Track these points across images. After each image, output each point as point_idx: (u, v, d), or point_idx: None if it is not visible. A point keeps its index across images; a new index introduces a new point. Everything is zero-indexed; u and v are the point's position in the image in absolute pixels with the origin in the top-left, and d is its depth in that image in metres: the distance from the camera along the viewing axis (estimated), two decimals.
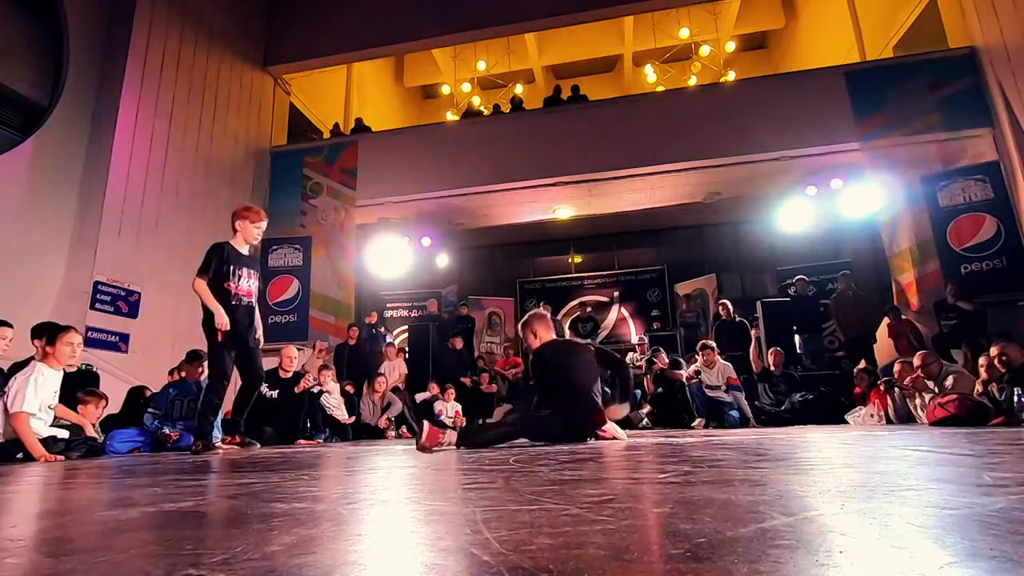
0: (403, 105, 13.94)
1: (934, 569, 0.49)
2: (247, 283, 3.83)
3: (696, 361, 6.36)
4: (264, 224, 3.98)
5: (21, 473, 2.26)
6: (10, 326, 3.79)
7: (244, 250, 3.91)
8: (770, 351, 6.42)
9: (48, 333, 3.66)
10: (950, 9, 7.53)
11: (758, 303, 7.65)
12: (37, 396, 3.28)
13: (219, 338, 3.61)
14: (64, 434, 3.49)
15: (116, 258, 6.23)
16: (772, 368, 6.42)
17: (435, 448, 2.76)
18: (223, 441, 4.03)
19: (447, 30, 8.86)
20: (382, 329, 8.83)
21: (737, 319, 7.68)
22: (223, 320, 3.58)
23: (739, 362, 7.06)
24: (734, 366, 6.38)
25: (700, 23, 11.78)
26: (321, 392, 5.87)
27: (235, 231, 3.90)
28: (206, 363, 4.70)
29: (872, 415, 5.60)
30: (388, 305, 10.55)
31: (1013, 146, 6.57)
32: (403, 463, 2.19)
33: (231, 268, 3.74)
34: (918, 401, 5.06)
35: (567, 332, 10.06)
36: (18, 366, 3.69)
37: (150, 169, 6.87)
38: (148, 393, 4.84)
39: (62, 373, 3.55)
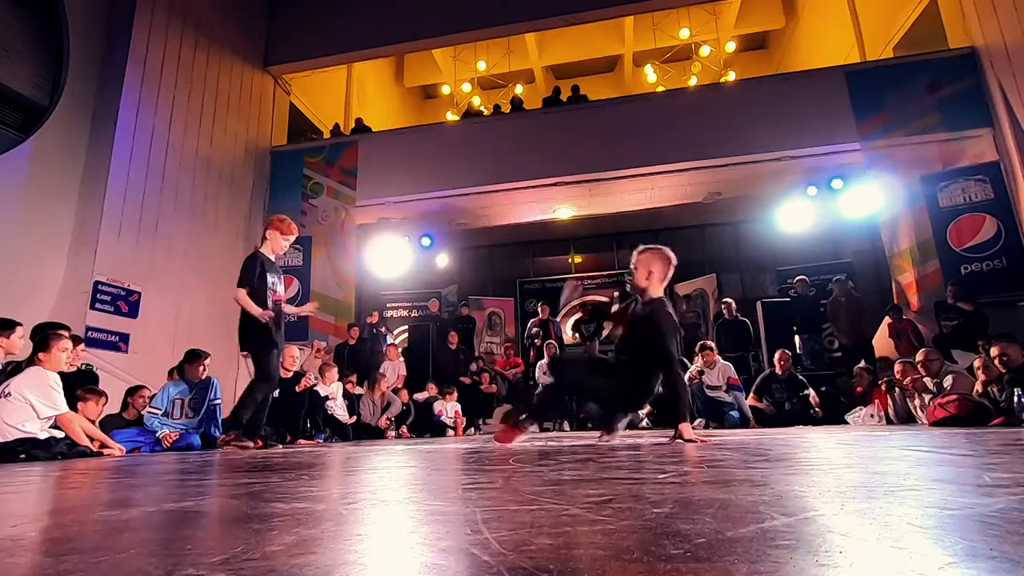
0: (403, 105, 13.94)
1: (934, 569, 0.49)
2: (281, 290, 3.94)
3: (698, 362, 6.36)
4: (293, 238, 4.04)
5: (21, 473, 2.26)
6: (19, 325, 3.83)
7: (273, 257, 3.99)
8: (777, 353, 6.38)
9: (40, 337, 3.67)
10: (950, 9, 7.53)
11: (758, 303, 7.65)
12: (61, 395, 3.47)
13: (265, 330, 3.67)
14: (61, 434, 3.49)
15: (116, 258, 6.23)
16: (778, 371, 6.36)
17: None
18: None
19: (447, 30, 8.86)
20: (383, 329, 8.83)
21: (739, 318, 7.67)
22: (268, 314, 3.70)
23: (739, 362, 7.06)
24: (734, 366, 6.37)
25: (700, 23, 11.78)
26: (326, 398, 5.90)
27: (264, 239, 3.92)
28: (206, 362, 4.71)
29: (872, 415, 5.60)
30: (388, 305, 10.55)
31: (1013, 146, 6.57)
32: (403, 463, 2.19)
33: (269, 277, 3.82)
34: (918, 401, 5.06)
35: (570, 334, 10.04)
36: (17, 366, 3.68)
37: (150, 169, 6.87)
38: (147, 393, 4.84)
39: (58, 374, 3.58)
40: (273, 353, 3.74)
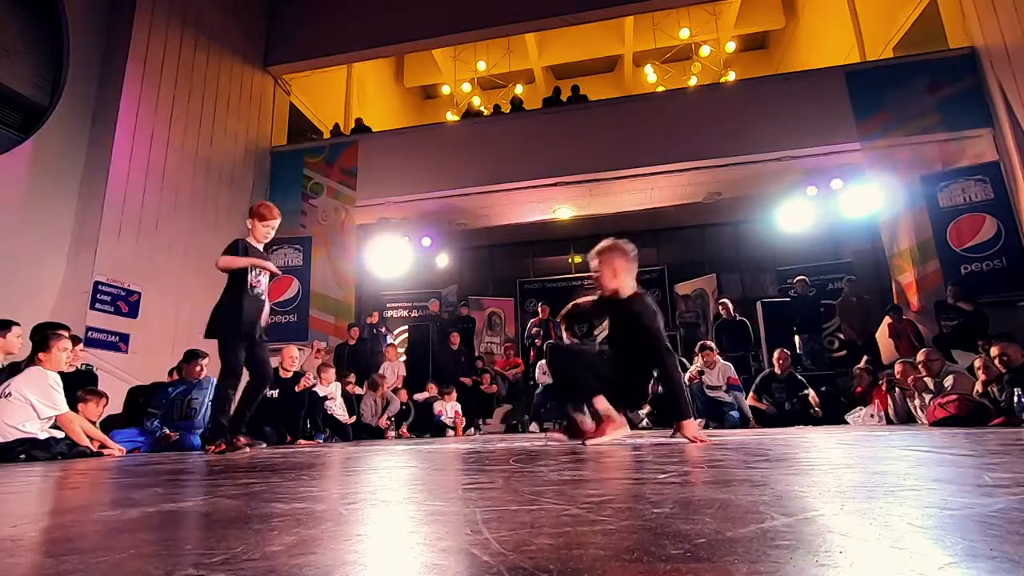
0: (403, 105, 13.94)
1: (934, 569, 0.49)
2: (264, 279, 3.81)
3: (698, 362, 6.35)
4: (275, 223, 3.87)
5: (21, 473, 2.26)
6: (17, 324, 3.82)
7: (259, 247, 3.88)
8: (776, 352, 6.39)
9: (40, 337, 3.66)
10: (950, 9, 7.53)
11: (758, 303, 7.65)
12: (61, 395, 3.47)
13: (233, 321, 3.58)
14: (61, 434, 3.49)
15: (116, 258, 6.23)
16: (778, 371, 6.36)
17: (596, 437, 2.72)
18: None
19: (447, 30, 8.87)
20: (383, 329, 8.83)
21: (738, 318, 7.67)
22: (269, 264, 3.69)
23: (739, 362, 7.05)
24: (735, 366, 6.36)
25: (700, 23, 11.79)
26: (325, 398, 5.90)
27: (249, 228, 3.86)
28: (203, 362, 4.71)
29: (872, 415, 5.61)
30: (388, 305, 10.55)
31: (1013, 146, 6.57)
32: (403, 463, 2.19)
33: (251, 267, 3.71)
34: (918, 401, 5.06)
35: (564, 335, 10.05)
36: (16, 367, 3.69)
37: (150, 169, 6.87)
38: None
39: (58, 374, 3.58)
40: (237, 346, 3.60)
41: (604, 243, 3.04)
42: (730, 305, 7.81)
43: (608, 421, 2.73)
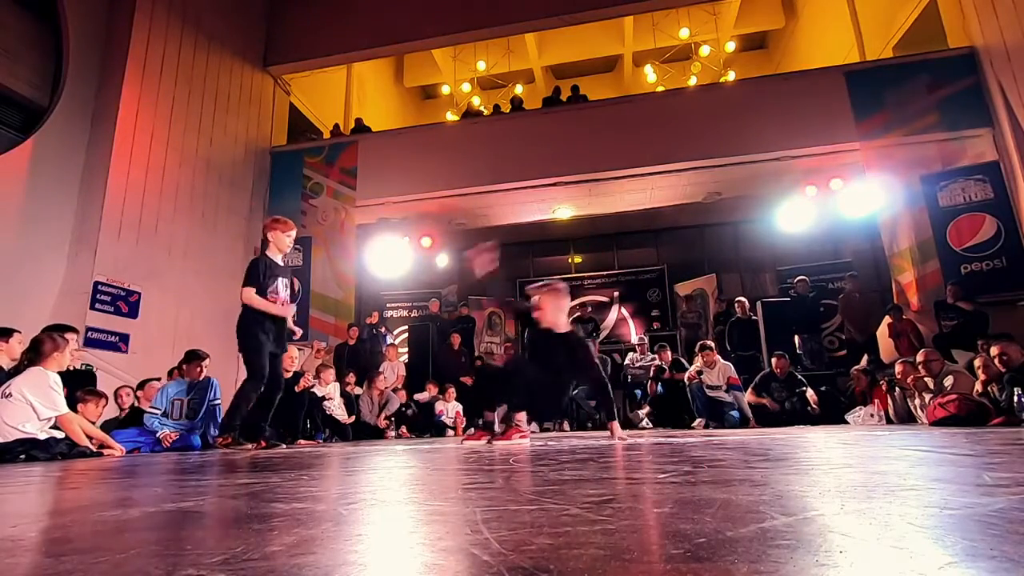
0: (403, 105, 13.93)
1: (934, 569, 0.49)
2: (285, 293, 3.98)
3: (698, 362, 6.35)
4: (294, 233, 4.11)
5: (21, 473, 2.26)
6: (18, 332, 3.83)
7: (279, 260, 4.03)
8: (775, 360, 6.37)
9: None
10: (950, 9, 7.52)
11: (758, 303, 7.65)
12: (61, 396, 3.48)
13: (253, 330, 3.75)
14: (61, 434, 3.49)
15: (116, 258, 6.23)
16: (777, 372, 6.36)
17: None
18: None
19: (447, 30, 8.86)
20: (383, 329, 8.83)
21: (752, 317, 7.66)
22: (285, 311, 3.89)
23: (750, 362, 7.03)
24: (745, 365, 6.34)
25: (700, 23, 11.78)
26: (324, 398, 5.90)
27: (267, 242, 4.00)
28: (204, 363, 4.72)
29: (872, 415, 5.61)
30: (388, 305, 10.55)
31: (1013, 146, 6.56)
32: (403, 463, 2.19)
33: (271, 281, 3.88)
34: (918, 401, 5.06)
35: None
36: (17, 367, 3.68)
37: (150, 169, 6.87)
38: (157, 385, 4.84)
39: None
40: (259, 353, 3.77)
41: (547, 284, 3.84)
42: (746, 304, 7.83)
43: (514, 429, 3.33)
